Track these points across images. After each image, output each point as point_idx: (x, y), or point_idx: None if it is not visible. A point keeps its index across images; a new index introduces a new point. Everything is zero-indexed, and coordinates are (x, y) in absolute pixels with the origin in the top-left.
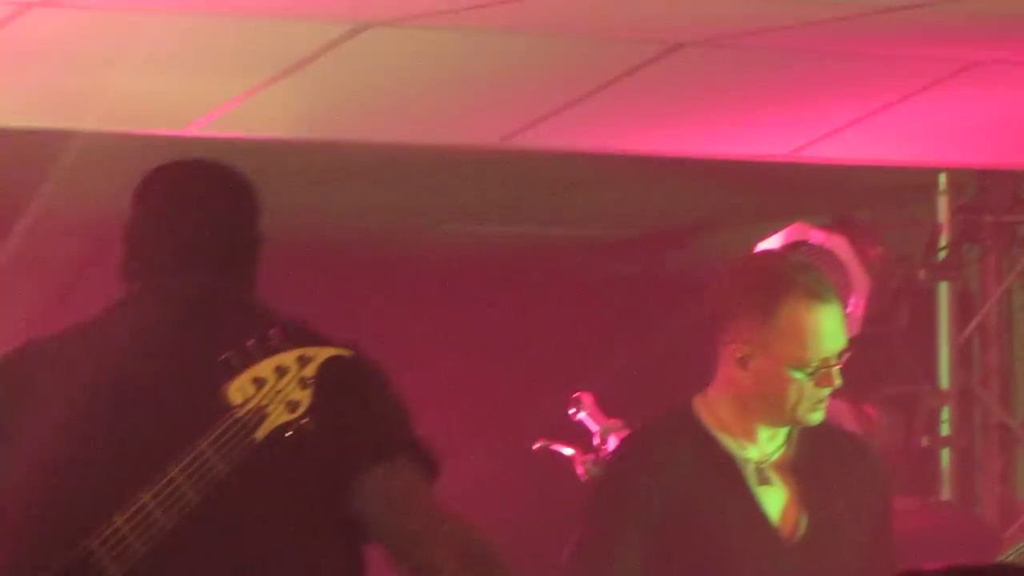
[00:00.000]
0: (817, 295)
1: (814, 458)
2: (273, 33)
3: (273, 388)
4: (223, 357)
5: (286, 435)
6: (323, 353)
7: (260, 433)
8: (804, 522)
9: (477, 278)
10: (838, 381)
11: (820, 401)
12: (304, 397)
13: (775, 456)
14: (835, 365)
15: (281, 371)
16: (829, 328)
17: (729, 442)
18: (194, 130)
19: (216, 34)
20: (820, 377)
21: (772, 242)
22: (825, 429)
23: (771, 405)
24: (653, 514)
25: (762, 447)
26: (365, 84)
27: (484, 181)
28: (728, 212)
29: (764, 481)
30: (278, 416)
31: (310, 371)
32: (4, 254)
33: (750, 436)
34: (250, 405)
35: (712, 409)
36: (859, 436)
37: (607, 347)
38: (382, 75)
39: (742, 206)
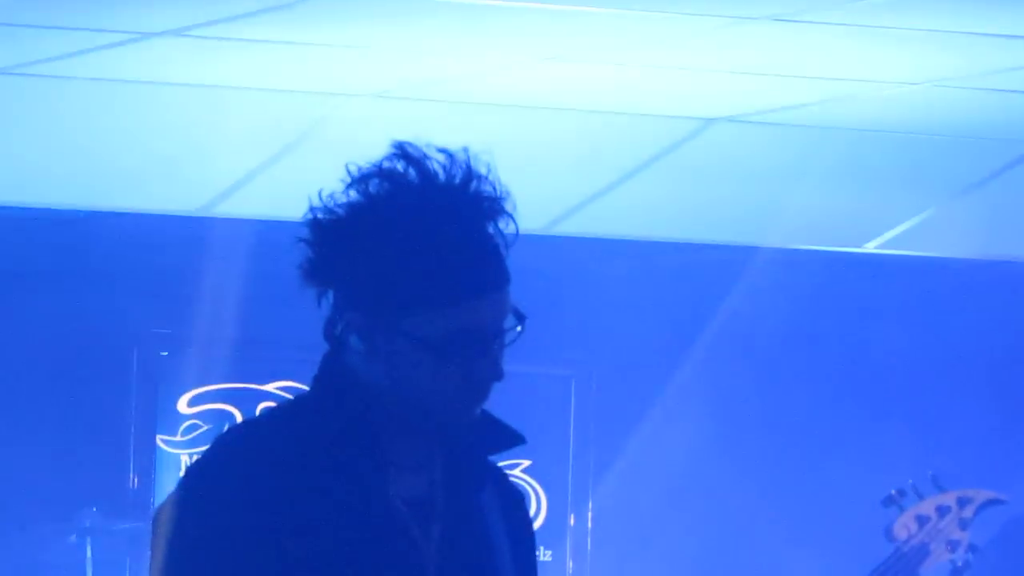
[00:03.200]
0: None
1: None
2: (951, 149)
3: (935, 527)
4: (888, 495)
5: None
6: (981, 496)
7: (923, 568)
8: None
9: None
10: None
11: None
12: (963, 538)
13: None
14: None
15: (942, 511)
16: None
17: None
18: (872, 248)
19: (897, 150)
20: None
21: None
22: None
23: None
24: None
25: None
26: None
27: None
28: None
29: None
30: (939, 555)
31: (969, 512)
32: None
33: None
34: (913, 542)
35: None
36: None
37: None
38: None
39: None
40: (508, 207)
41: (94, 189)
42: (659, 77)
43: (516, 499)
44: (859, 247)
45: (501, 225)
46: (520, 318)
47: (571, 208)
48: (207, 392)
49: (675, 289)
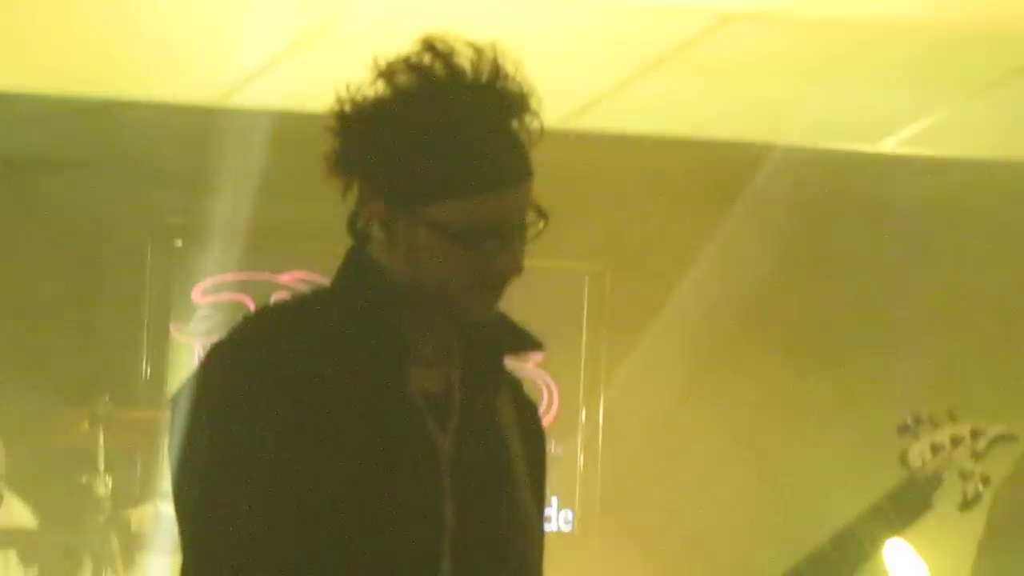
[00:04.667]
0: None
1: None
2: (968, 46)
3: (948, 457)
4: (903, 423)
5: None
6: (995, 430)
7: (935, 497)
8: None
9: None
10: None
11: None
12: (976, 469)
13: None
14: None
15: (956, 441)
16: None
17: None
18: (889, 146)
19: (915, 46)
20: None
21: None
22: None
23: None
24: None
25: None
26: None
27: None
28: None
29: None
30: (952, 484)
31: (982, 445)
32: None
33: None
34: (927, 470)
35: None
36: None
37: None
38: None
39: None
40: (533, 104)
41: (109, 79)
42: None
43: (531, 409)
44: (875, 146)
45: (526, 121)
46: (542, 215)
47: (587, 103)
48: (221, 282)
49: (690, 187)
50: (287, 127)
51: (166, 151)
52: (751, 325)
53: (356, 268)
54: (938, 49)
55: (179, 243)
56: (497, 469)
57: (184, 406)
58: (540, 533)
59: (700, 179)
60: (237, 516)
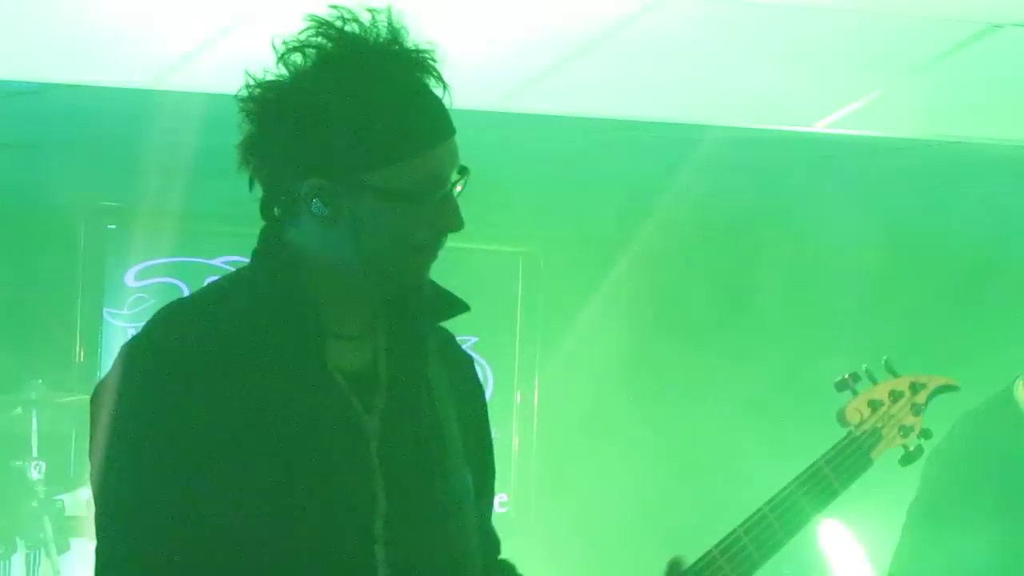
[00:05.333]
0: None
1: None
2: (905, 30)
3: (887, 412)
4: (840, 379)
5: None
6: (935, 382)
7: (875, 454)
8: None
9: None
10: None
11: None
12: (916, 423)
13: None
14: None
15: (895, 396)
16: None
17: None
18: (821, 127)
19: (846, 30)
20: None
21: None
22: None
23: None
24: None
25: None
26: (995, 82)
27: None
28: None
29: None
30: (892, 439)
31: (922, 398)
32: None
33: None
34: (866, 426)
35: None
36: None
37: None
38: (1013, 73)
39: None
40: (437, 58)
41: (41, 61)
42: None
43: (465, 364)
44: (809, 126)
45: (435, 75)
46: (463, 171)
47: (520, 85)
48: (154, 265)
49: (624, 167)
50: (220, 110)
51: (99, 134)
52: (685, 307)
53: (269, 250)
54: (871, 31)
55: (112, 226)
56: (429, 445)
57: (100, 406)
58: (484, 500)
59: (634, 159)
60: (158, 518)
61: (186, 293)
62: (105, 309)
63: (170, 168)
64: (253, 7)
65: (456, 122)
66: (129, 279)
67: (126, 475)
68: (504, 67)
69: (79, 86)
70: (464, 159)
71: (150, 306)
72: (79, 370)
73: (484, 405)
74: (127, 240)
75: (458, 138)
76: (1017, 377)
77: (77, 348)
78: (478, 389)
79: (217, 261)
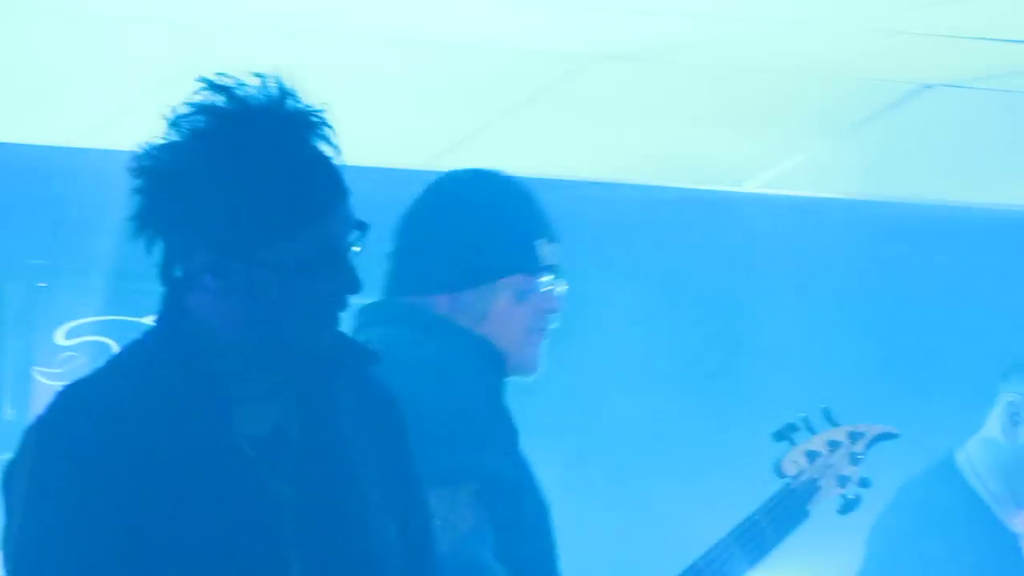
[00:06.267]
0: None
1: None
2: (841, 89)
3: (826, 461)
4: (777, 431)
5: (836, 510)
6: (873, 430)
7: (812, 504)
8: None
9: None
10: None
11: None
12: (853, 473)
13: None
14: None
15: (833, 446)
16: None
17: None
18: (752, 187)
19: (774, 89)
20: None
21: None
22: None
23: None
24: None
25: None
26: (924, 143)
27: None
28: None
29: None
30: (830, 490)
31: (860, 447)
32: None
33: None
34: (803, 477)
35: None
36: None
37: None
38: (942, 134)
39: None
40: (327, 119)
41: None
42: (535, 14)
43: (384, 405)
44: (739, 187)
45: (328, 137)
46: (363, 227)
47: (453, 143)
48: (85, 324)
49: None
50: None
51: (29, 192)
52: (618, 363)
53: (168, 317)
54: (801, 91)
55: (43, 284)
56: (346, 504)
57: (7, 488)
58: (414, 536)
59: (561, 219)
60: None
61: (116, 351)
62: (35, 368)
63: (99, 226)
64: (182, 66)
65: (384, 180)
66: (59, 338)
67: (28, 560)
68: (435, 128)
69: (7, 144)
70: (390, 217)
71: (80, 365)
72: (8, 429)
73: (408, 449)
74: (57, 298)
75: (352, 197)
76: (959, 448)
77: (5, 407)
78: (401, 431)
79: (147, 320)
